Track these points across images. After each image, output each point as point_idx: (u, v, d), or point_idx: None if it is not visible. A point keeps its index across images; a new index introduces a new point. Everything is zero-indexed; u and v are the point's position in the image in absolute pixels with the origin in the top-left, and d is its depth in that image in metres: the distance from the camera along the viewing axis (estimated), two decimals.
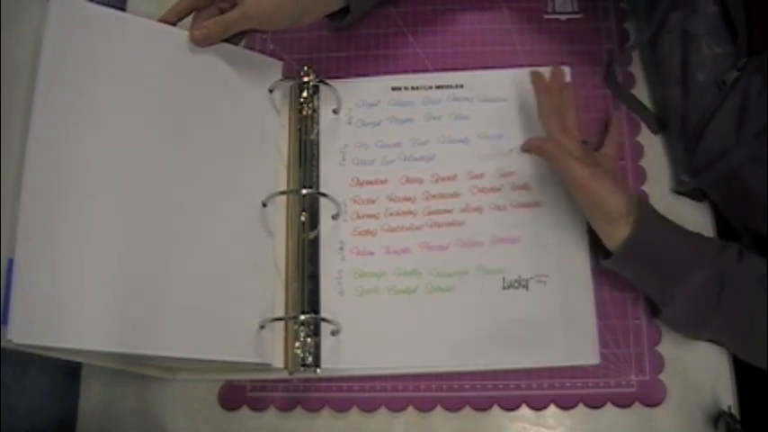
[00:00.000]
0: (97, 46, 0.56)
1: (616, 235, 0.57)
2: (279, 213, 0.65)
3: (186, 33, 0.61)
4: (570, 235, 0.65)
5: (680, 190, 0.65)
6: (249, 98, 0.65)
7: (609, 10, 0.72)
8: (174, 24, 0.61)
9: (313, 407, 0.63)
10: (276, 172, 0.66)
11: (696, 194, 0.65)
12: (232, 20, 0.60)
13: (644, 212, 0.57)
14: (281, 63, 0.68)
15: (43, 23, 0.53)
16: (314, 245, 0.65)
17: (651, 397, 0.61)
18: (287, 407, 0.63)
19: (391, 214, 0.67)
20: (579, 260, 0.64)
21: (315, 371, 0.61)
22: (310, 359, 0.61)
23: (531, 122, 0.68)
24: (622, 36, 0.71)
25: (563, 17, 0.72)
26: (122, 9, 0.72)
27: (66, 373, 0.65)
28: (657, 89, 0.67)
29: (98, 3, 0.57)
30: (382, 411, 0.62)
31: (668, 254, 0.57)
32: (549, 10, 0.72)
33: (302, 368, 0.61)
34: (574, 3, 0.72)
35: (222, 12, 0.61)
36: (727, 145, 0.58)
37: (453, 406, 0.62)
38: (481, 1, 0.72)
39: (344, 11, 0.65)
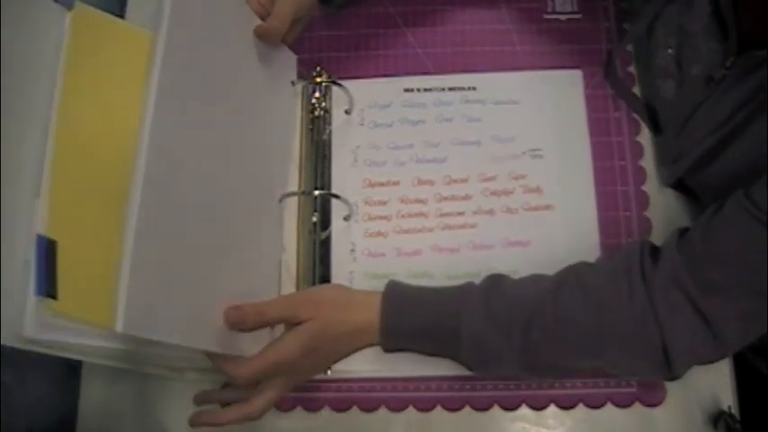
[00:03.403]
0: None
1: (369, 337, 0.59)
2: (290, 214, 0.65)
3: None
4: (581, 239, 0.65)
5: (668, 184, 0.65)
6: (272, 89, 0.65)
7: (609, 10, 0.72)
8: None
9: (313, 407, 0.63)
10: (288, 172, 0.66)
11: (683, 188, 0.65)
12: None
13: (387, 301, 0.58)
14: (295, 56, 0.68)
15: (62, 35, 0.54)
16: (325, 246, 0.65)
17: (651, 397, 0.61)
18: (287, 407, 0.63)
19: (403, 216, 0.67)
20: None
21: (326, 372, 0.61)
22: None
23: (544, 126, 0.68)
24: (622, 36, 0.70)
25: (563, 17, 0.72)
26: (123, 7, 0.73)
27: (66, 373, 0.65)
28: (648, 81, 0.67)
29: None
30: (382, 411, 0.62)
31: (430, 321, 0.58)
32: (549, 10, 0.72)
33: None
34: (574, 3, 0.72)
35: None
36: (704, 135, 0.58)
37: (453, 406, 0.62)
38: (481, 1, 0.72)
39: None
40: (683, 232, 0.55)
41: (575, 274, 0.56)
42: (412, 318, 0.58)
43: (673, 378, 0.55)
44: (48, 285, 0.48)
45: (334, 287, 0.62)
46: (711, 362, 0.55)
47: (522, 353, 0.55)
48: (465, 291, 0.58)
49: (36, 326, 0.49)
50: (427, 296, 0.59)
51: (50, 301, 0.48)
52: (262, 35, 0.62)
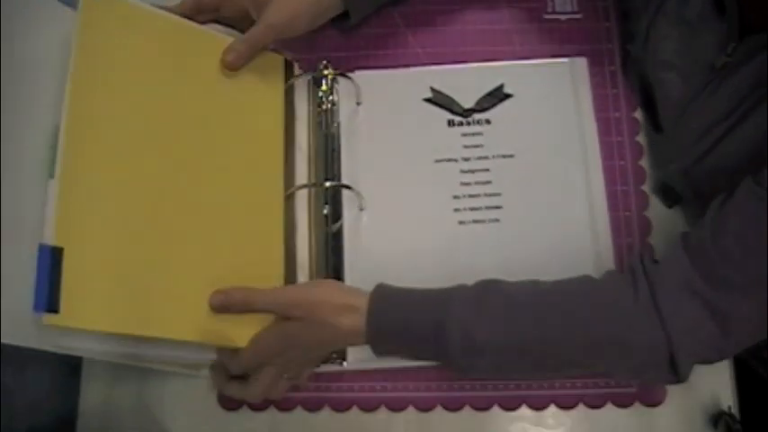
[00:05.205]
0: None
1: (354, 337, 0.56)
2: (301, 207, 0.65)
3: (198, 28, 0.62)
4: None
5: (656, 188, 0.65)
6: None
7: (609, 10, 0.72)
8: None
9: (313, 407, 0.63)
10: (293, 166, 0.66)
11: (668, 193, 0.65)
12: (259, 34, 0.61)
13: (373, 302, 0.55)
14: (281, 57, 0.68)
15: (73, 19, 0.54)
16: (337, 238, 0.65)
17: (651, 397, 0.61)
18: (287, 407, 0.63)
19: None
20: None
21: (341, 363, 0.61)
22: (334, 354, 0.61)
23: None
24: (622, 36, 0.71)
25: (563, 17, 0.72)
26: None
27: (66, 372, 0.65)
28: (651, 76, 0.66)
29: None
30: (382, 411, 0.62)
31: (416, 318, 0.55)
32: (549, 10, 0.72)
33: (329, 362, 0.61)
34: (574, 3, 0.72)
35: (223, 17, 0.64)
36: (703, 127, 0.57)
37: (453, 406, 0.62)
38: (481, 1, 0.72)
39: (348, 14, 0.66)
40: (685, 235, 0.54)
41: (577, 280, 0.55)
42: (397, 313, 0.55)
43: (677, 381, 0.53)
44: (49, 301, 0.47)
45: (330, 286, 0.58)
46: (710, 362, 0.54)
47: (518, 339, 0.53)
48: (456, 287, 0.56)
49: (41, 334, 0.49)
50: (415, 294, 0.56)
51: (51, 315, 0.47)
52: (226, 59, 0.61)
